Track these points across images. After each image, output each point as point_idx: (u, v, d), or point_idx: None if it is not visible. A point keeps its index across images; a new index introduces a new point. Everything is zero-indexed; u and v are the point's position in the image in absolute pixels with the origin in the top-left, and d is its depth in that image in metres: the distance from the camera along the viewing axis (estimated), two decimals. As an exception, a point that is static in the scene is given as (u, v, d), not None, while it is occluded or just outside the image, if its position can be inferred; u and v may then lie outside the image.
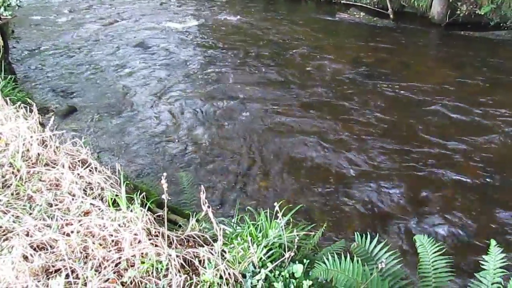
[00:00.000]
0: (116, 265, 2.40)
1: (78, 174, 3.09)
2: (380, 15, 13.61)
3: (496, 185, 5.96)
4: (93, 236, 2.56)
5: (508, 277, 2.60)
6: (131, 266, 2.40)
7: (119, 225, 2.58)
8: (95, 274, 2.29)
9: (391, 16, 13.41)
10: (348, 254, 2.66)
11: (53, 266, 2.35)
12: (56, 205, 2.81)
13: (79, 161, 3.34)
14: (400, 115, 7.74)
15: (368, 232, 3.00)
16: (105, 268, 2.37)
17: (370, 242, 2.89)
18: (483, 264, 2.68)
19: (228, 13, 14.63)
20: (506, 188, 5.92)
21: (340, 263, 2.54)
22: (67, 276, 2.28)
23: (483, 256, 2.70)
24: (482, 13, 12.04)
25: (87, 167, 3.20)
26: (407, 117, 7.65)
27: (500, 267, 2.63)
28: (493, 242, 2.75)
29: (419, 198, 5.77)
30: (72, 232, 2.55)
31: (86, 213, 2.76)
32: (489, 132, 7.17)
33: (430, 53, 11.25)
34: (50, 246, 2.48)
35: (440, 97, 8.32)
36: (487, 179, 6.06)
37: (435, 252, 2.82)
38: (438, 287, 2.72)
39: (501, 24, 11.99)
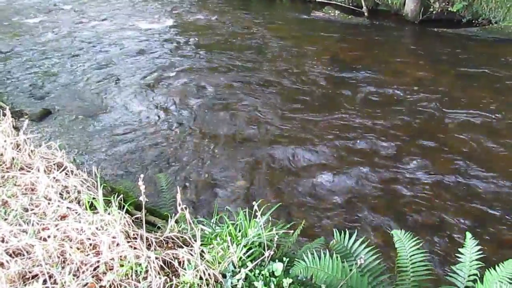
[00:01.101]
0: (94, 269, 2.38)
1: (54, 177, 3.05)
2: (354, 13, 13.73)
3: (471, 178, 6.08)
4: (71, 240, 2.53)
5: (484, 268, 2.65)
6: (110, 269, 2.37)
7: (96, 228, 2.56)
8: (73, 279, 2.27)
9: (366, 14, 13.55)
10: (327, 251, 2.68)
11: (30, 272, 2.32)
12: (32, 209, 2.77)
13: (54, 164, 3.30)
14: (376, 111, 7.82)
15: (346, 229, 3.02)
16: (83, 272, 2.35)
17: (349, 239, 2.91)
18: (459, 257, 2.74)
19: (202, 13, 14.58)
20: (480, 180, 6.04)
21: (319, 260, 2.55)
22: (44, 281, 2.25)
23: (459, 249, 2.76)
24: (455, 10, 12.24)
25: (63, 170, 3.16)
26: (383, 113, 7.75)
27: (476, 259, 2.69)
28: (468, 235, 2.80)
29: (395, 193, 5.85)
30: (48, 236, 2.52)
31: (63, 217, 2.73)
32: (462, 126, 7.32)
33: (404, 50, 11.38)
34: (27, 252, 2.44)
35: (414, 92, 8.45)
36: (461, 172, 6.18)
37: (412, 246, 2.86)
38: (416, 281, 2.76)
39: (473, 21, 12.22)
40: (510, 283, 2.45)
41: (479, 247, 2.70)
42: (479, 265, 2.66)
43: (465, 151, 6.65)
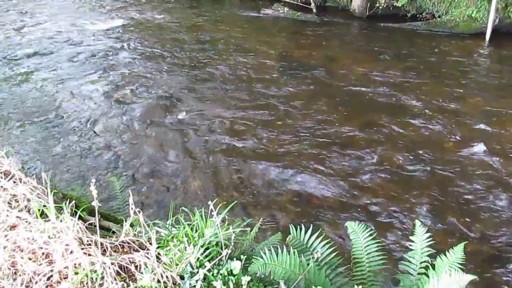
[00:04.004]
0: (48, 279, 2.31)
1: (2, 186, 2.94)
2: (303, 9, 13.94)
3: (418, 168, 6.30)
4: (22, 251, 2.45)
5: (435, 255, 2.74)
6: (64, 278, 2.32)
7: (49, 236, 2.49)
8: (26, 290, 2.20)
9: (314, 10, 13.78)
10: (284, 247, 2.70)
11: (-22, 286, 2.24)
12: (-21, 221, 2.66)
13: (1, 173, 3.18)
14: (327, 106, 7.98)
15: (302, 223, 3.06)
16: (36, 282, 2.28)
17: (305, 233, 2.95)
18: (411, 245, 2.83)
19: (152, 12, 14.41)
20: (427, 168, 6.27)
21: (277, 256, 2.57)
22: (-5, 294, 2.18)
23: (410, 237, 2.85)
24: (399, 5, 12.66)
25: (10, 178, 3.05)
26: (333, 107, 7.92)
27: (427, 246, 2.78)
28: (418, 223, 2.90)
29: (349, 183, 5.98)
30: (-2, 248, 2.43)
31: (13, 227, 2.64)
32: (409, 115, 7.60)
33: (352, 45, 11.63)
34: (-25, 265, 2.35)
35: (363, 86, 8.69)
36: (409, 162, 6.40)
37: (366, 237, 2.93)
38: (372, 270, 2.83)
39: (417, 16, 12.69)
40: (460, 268, 2.55)
41: (428, 234, 2.80)
42: (430, 252, 2.75)
43: (412, 138, 6.88)
